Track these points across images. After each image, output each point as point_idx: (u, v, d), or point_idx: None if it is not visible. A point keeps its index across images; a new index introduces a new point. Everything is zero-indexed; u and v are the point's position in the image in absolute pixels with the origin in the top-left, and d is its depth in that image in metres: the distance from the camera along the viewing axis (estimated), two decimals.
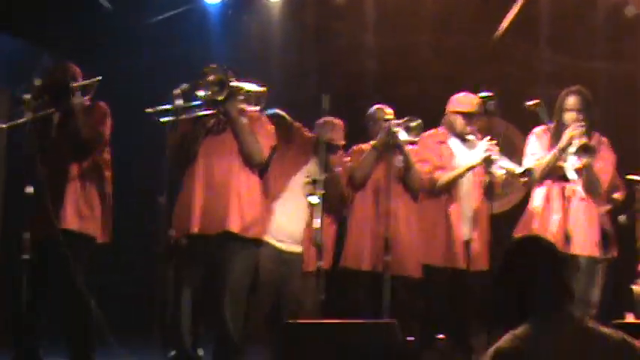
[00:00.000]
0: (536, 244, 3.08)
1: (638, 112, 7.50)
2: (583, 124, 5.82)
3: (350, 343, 4.75)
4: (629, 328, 5.31)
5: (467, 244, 6.13)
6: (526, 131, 6.37)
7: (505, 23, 8.30)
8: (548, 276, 2.94)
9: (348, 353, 4.72)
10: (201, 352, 5.52)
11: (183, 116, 5.40)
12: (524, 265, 2.97)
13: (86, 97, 5.51)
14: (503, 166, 6.03)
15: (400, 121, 6.10)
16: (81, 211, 5.35)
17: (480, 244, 6.18)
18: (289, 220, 6.08)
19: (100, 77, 5.50)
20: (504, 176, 6.17)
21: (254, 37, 8.32)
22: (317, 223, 5.45)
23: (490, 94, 5.95)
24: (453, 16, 8.25)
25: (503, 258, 3.05)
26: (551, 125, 6.04)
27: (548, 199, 5.94)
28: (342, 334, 4.84)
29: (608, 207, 6.76)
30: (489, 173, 6.02)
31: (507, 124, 6.36)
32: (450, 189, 6.21)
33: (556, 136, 5.94)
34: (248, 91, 5.64)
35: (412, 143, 6.20)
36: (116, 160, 5.69)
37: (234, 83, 5.40)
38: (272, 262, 5.93)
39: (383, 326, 4.96)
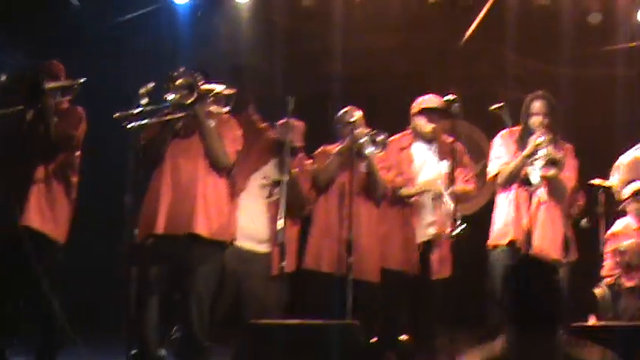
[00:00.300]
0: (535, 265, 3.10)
1: (601, 117, 7.57)
2: (548, 133, 5.91)
3: (312, 343, 4.79)
4: (591, 331, 5.45)
5: (425, 250, 6.24)
6: (491, 134, 6.44)
7: (472, 26, 8.36)
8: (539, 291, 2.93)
9: (311, 354, 4.76)
10: (163, 352, 5.51)
11: (152, 120, 5.40)
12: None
13: (65, 99, 5.49)
14: (455, 191, 6.11)
15: (366, 131, 6.14)
16: (44, 212, 5.34)
17: (441, 250, 6.24)
18: (250, 219, 6.08)
19: (84, 79, 5.49)
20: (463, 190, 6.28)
21: (222, 37, 8.31)
22: (280, 224, 5.47)
23: (454, 96, 6.00)
24: (420, 18, 8.28)
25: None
26: (517, 129, 6.11)
27: (513, 204, 6.02)
28: (304, 334, 4.88)
29: (570, 212, 6.81)
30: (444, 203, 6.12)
31: (471, 126, 6.40)
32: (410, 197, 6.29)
33: (522, 140, 6.03)
34: (217, 93, 5.66)
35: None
36: (83, 162, 5.68)
37: (203, 86, 5.42)
38: (232, 261, 5.92)
39: (345, 327, 5.00)
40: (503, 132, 6.19)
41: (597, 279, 6.67)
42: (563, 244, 5.90)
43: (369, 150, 6.08)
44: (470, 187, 6.41)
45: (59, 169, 5.43)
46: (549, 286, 2.93)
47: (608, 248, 6.56)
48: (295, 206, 6.09)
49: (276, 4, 8.17)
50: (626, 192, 6.49)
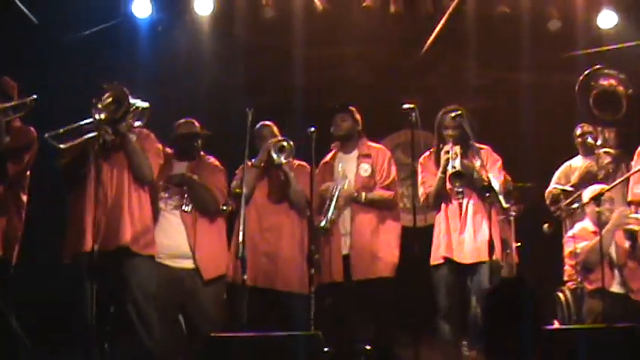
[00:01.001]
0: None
1: (562, 123, 7.62)
2: (456, 144, 6.12)
3: (274, 354, 4.78)
4: (555, 334, 5.49)
5: (345, 257, 6.32)
6: None
7: (432, 36, 8.39)
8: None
9: None
10: None
11: (77, 140, 5.39)
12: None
13: (17, 116, 5.44)
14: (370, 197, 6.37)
15: (275, 141, 6.24)
16: None
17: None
18: (168, 237, 6.07)
19: (35, 97, 5.44)
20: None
21: (183, 50, 8.29)
22: (240, 236, 5.47)
23: (412, 105, 6.03)
24: (380, 29, 8.31)
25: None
26: (433, 150, 6.30)
27: (444, 220, 6.24)
28: (266, 346, 4.87)
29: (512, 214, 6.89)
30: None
31: (430, 135, 6.43)
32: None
33: (438, 156, 6.19)
34: (136, 108, 5.68)
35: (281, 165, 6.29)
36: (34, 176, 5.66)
37: (130, 101, 5.43)
38: (164, 283, 5.90)
39: (308, 338, 5.00)
40: (422, 158, 6.38)
41: (561, 283, 6.73)
42: (489, 246, 5.93)
43: (277, 158, 6.19)
44: (387, 194, 6.46)
45: (10, 189, 5.38)
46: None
47: (565, 251, 6.62)
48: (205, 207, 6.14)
49: (237, 17, 8.15)
50: (585, 196, 6.54)
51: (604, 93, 6.81)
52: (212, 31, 8.16)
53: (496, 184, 5.90)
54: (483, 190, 5.98)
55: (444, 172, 6.12)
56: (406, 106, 6.04)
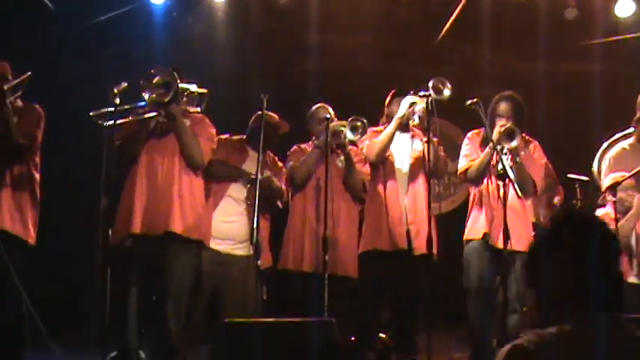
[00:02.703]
0: (597, 223, 2.45)
1: (577, 112, 7.60)
2: (511, 124, 5.90)
3: (289, 341, 4.78)
4: None
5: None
6: (466, 130, 6.45)
7: (447, 24, 8.37)
8: (609, 265, 2.38)
9: (287, 351, 4.75)
10: (143, 354, 5.48)
11: (127, 119, 5.38)
12: (579, 246, 2.36)
13: (16, 95, 5.39)
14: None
15: (343, 122, 6.14)
16: (13, 214, 5.28)
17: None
18: (227, 221, 6.02)
19: (30, 73, 5.40)
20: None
21: (198, 37, 8.30)
22: (255, 222, 5.45)
23: (427, 92, 6.00)
24: (395, 17, 8.29)
25: (549, 233, 2.47)
26: (482, 130, 6.13)
27: (484, 197, 6.02)
28: (281, 332, 4.87)
29: (547, 211, 6.79)
30: None
31: (446, 123, 6.41)
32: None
33: (487, 140, 6.03)
34: (191, 92, 5.65)
35: (353, 143, 6.25)
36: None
37: (180, 85, 5.40)
38: (209, 264, 5.87)
39: (322, 324, 4.99)
40: (471, 133, 6.23)
41: None
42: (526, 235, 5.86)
43: (350, 136, 6.09)
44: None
45: (25, 169, 5.37)
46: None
47: None
48: (270, 202, 6.07)
49: (252, 4, 8.15)
50: (605, 183, 6.48)
51: None
52: (227, 17, 8.16)
53: (511, 173, 5.82)
54: (498, 178, 5.88)
55: (495, 147, 5.88)
56: (422, 93, 6.02)
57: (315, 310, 5.70)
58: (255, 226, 5.40)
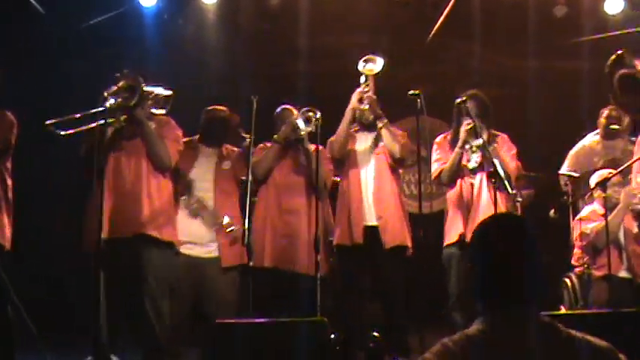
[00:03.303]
0: (515, 222, 2.65)
1: (567, 109, 7.62)
2: (474, 122, 6.03)
3: (280, 341, 4.79)
4: (560, 319, 5.49)
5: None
6: None
7: (438, 23, 8.38)
8: (522, 262, 2.51)
9: (279, 352, 4.76)
10: (115, 359, 5.48)
11: (88, 126, 5.39)
12: (495, 245, 2.53)
13: None
14: None
15: (305, 110, 6.20)
16: None
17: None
18: (192, 224, 6.06)
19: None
20: None
21: (189, 38, 8.31)
22: (246, 222, 5.46)
23: (417, 91, 6.01)
24: (387, 16, 8.30)
25: (477, 234, 2.63)
26: (449, 133, 6.25)
27: (458, 198, 6.13)
28: (272, 332, 4.88)
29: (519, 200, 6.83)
30: None
31: (436, 120, 6.43)
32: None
33: (454, 140, 6.13)
34: (156, 95, 5.69)
35: (311, 135, 6.23)
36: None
37: (145, 88, 5.44)
38: (183, 266, 5.89)
39: (314, 324, 5.00)
40: (439, 138, 6.33)
41: (568, 269, 6.73)
42: None
43: (302, 127, 6.14)
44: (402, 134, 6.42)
45: None
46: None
47: (575, 234, 6.61)
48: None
49: (243, 5, 8.16)
50: (593, 181, 6.53)
51: (630, 75, 6.74)
52: (217, 18, 8.16)
53: (501, 170, 5.88)
54: (489, 176, 5.95)
55: (463, 146, 6.09)
56: (411, 92, 6.03)
57: (282, 306, 5.76)
58: (246, 227, 5.44)
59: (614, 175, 6.25)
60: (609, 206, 6.25)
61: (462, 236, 6.02)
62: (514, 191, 6.18)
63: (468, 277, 5.87)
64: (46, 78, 7.00)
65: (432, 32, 8.49)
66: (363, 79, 6.36)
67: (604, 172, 6.44)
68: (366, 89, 6.32)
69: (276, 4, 8.14)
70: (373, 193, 6.26)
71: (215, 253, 6.02)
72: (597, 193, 6.45)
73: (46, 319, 5.55)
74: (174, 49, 8.08)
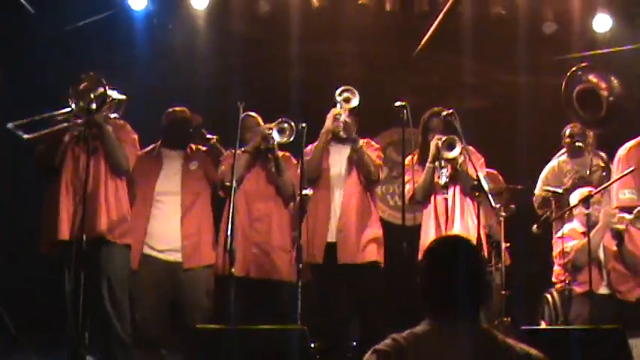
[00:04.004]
0: (460, 243, 2.98)
1: (554, 124, 7.64)
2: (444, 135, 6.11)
3: (262, 348, 4.79)
4: (540, 334, 5.51)
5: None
6: None
7: (427, 35, 8.40)
8: (462, 275, 2.79)
9: (259, 359, 4.76)
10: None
11: (49, 129, 5.41)
12: (441, 261, 2.86)
13: None
14: None
15: (272, 125, 6.21)
16: None
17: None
18: (165, 229, 6.13)
19: None
20: None
21: (178, 44, 8.29)
22: (229, 229, 5.48)
23: (403, 103, 6.03)
24: (376, 27, 8.32)
25: (427, 253, 2.96)
26: (417, 151, 6.32)
27: (433, 215, 6.19)
28: (254, 339, 4.88)
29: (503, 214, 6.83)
30: None
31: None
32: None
33: (422, 156, 6.15)
34: (113, 99, 5.71)
35: (282, 147, 6.28)
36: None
37: (107, 92, 5.47)
38: (156, 272, 5.98)
39: (293, 332, 5.01)
40: (407, 160, 6.29)
41: (549, 284, 6.75)
42: (478, 242, 5.93)
43: (277, 139, 6.16)
44: (377, 155, 6.43)
45: None
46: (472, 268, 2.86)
47: (555, 251, 6.64)
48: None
49: (233, 12, 8.15)
50: (573, 199, 6.57)
51: (586, 90, 6.85)
52: (207, 25, 8.15)
53: (485, 184, 5.90)
54: (473, 190, 5.97)
55: (433, 161, 6.11)
56: (398, 103, 6.05)
57: (253, 314, 5.76)
58: (229, 233, 5.44)
59: (595, 194, 6.29)
60: (590, 224, 6.27)
61: None
62: (497, 205, 6.21)
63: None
64: (35, 77, 6.98)
65: (421, 44, 8.50)
66: (338, 106, 6.33)
67: (584, 191, 6.48)
68: (341, 113, 6.30)
69: (266, 11, 8.12)
70: (341, 209, 6.27)
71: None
72: (577, 210, 6.50)
73: (25, 319, 5.56)
74: (163, 54, 8.06)
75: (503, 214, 6.62)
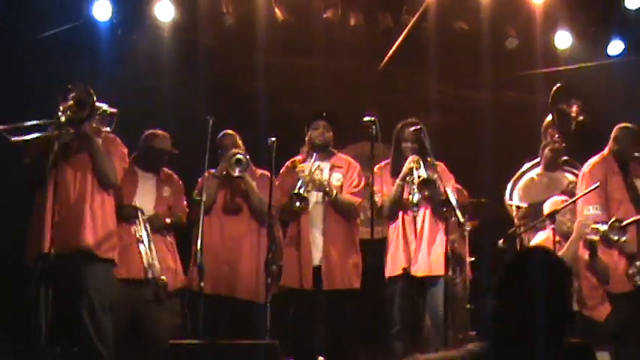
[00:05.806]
0: (549, 258, 2.78)
1: (516, 139, 7.73)
2: (418, 155, 6.15)
3: None
4: None
5: (318, 268, 6.23)
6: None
7: (392, 49, 8.46)
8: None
9: None
10: None
11: (39, 135, 5.36)
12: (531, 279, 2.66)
13: None
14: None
15: (234, 152, 6.23)
16: None
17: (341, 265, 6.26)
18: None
19: None
20: None
21: (143, 55, 8.24)
22: (199, 244, 5.47)
23: (372, 118, 6.06)
24: (341, 41, 8.36)
25: (507, 269, 2.76)
26: (389, 161, 6.34)
27: (400, 231, 6.20)
28: (225, 354, 4.88)
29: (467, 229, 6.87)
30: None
31: (388, 148, 6.47)
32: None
33: (395, 167, 6.19)
34: (104, 112, 5.67)
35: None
36: None
37: (96, 103, 5.42)
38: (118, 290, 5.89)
39: (265, 347, 5.01)
40: (377, 167, 6.30)
41: None
42: (446, 261, 5.98)
43: (232, 171, 6.21)
44: (354, 199, 6.43)
45: None
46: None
47: None
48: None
49: (199, 24, 8.13)
50: (546, 208, 6.58)
51: (564, 112, 6.98)
52: (173, 36, 8.11)
53: (453, 199, 5.95)
54: (441, 204, 6.01)
55: (404, 179, 6.13)
56: (367, 118, 6.07)
57: (222, 331, 5.76)
58: (199, 247, 5.44)
59: (569, 204, 6.33)
60: (559, 233, 6.29)
61: (406, 270, 6.07)
62: (463, 220, 6.25)
63: (413, 309, 6.01)
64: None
65: (385, 59, 8.56)
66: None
67: (557, 200, 6.51)
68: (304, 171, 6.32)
69: (231, 23, 8.11)
70: (323, 232, 6.29)
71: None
72: (549, 221, 6.52)
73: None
74: (128, 65, 8.01)
75: (468, 228, 6.67)
